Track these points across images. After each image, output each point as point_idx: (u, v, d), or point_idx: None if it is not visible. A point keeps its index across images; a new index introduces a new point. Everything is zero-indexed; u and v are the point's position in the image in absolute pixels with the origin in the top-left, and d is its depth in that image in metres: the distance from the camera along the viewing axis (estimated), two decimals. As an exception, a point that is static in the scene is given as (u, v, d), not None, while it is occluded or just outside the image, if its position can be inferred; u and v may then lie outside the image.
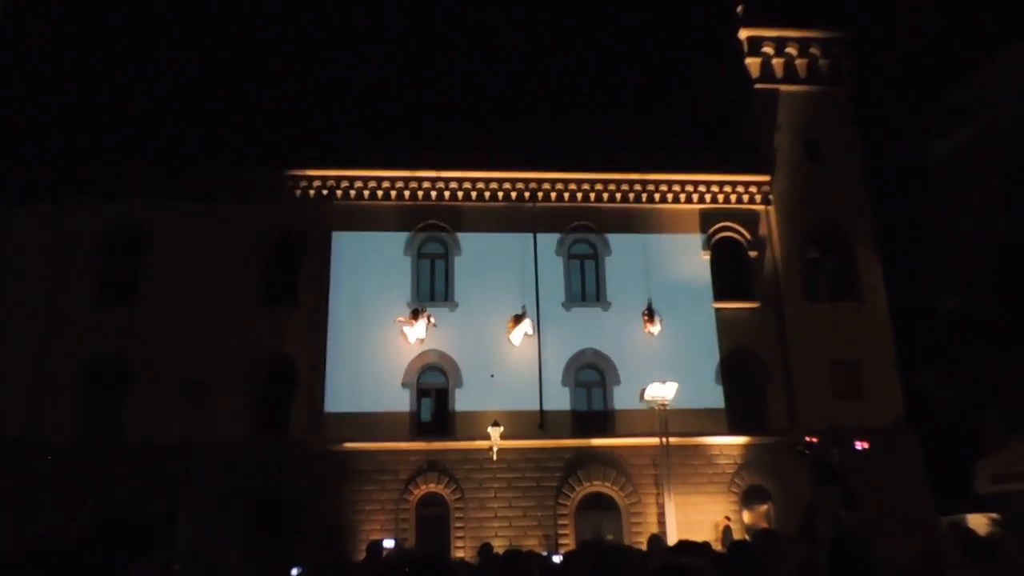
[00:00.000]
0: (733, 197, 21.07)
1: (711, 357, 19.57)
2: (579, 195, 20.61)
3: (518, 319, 18.60)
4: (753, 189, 21.10)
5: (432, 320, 18.61)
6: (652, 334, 18.98)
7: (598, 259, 20.32)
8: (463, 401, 18.75)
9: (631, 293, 19.77)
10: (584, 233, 20.39)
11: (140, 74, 21.75)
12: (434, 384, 19.14)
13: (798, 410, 19.18)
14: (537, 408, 18.66)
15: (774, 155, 21.15)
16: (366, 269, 19.35)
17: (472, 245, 19.88)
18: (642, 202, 20.68)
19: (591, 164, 20.49)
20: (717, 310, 20.09)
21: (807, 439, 17.27)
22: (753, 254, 20.83)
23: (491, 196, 20.31)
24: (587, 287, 20.20)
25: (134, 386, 17.97)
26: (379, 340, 18.70)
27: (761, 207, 21.08)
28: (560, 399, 18.97)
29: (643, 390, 17.90)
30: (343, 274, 19.25)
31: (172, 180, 19.35)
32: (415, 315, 18.44)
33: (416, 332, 18.42)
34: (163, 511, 15.99)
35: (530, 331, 18.63)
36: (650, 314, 18.96)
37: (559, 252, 20.21)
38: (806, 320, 20.00)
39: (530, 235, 19.98)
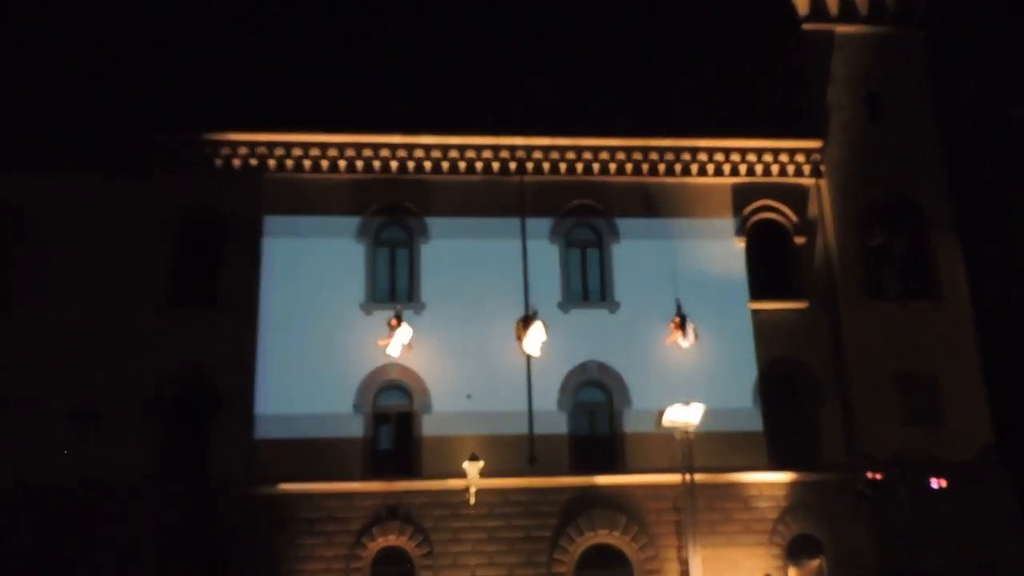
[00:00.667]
0: (775, 168, 20.67)
1: (747, 371, 19.28)
2: (580, 166, 20.20)
3: (528, 321, 18.12)
4: (800, 158, 20.69)
5: (399, 321, 18.16)
6: (681, 347, 18.60)
7: (603, 248, 20.00)
8: (432, 429, 18.37)
9: (645, 291, 19.48)
10: (586, 215, 20.08)
11: (16, 19, 21.24)
12: (395, 407, 18.76)
13: (858, 438, 18.94)
14: (526, 437, 18.30)
15: (827, 115, 20.88)
16: (307, 261, 18.93)
17: (443, 230, 19.48)
18: (659, 175, 20.31)
19: (595, 127, 20.18)
20: (754, 312, 19.75)
21: (869, 475, 17.21)
22: (800, 240, 20.49)
23: (468, 167, 19.91)
24: (590, 283, 19.88)
25: (3, 415, 17.19)
26: (324, 350, 18.35)
27: (810, 181, 20.77)
28: (556, 426, 18.63)
29: (661, 414, 17.66)
30: (278, 267, 18.84)
31: (54, 149, 18.59)
32: (398, 319, 18.20)
33: (399, 339, 18.03)
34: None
35: (544, 336, 18.12)
36: (681, 321, 18.49)
37: (555, 239, 19.88)
38: (868, 323, 19.75)
39: (517, 218, 19.65)
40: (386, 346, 18.20)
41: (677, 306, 18.83)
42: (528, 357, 18.59)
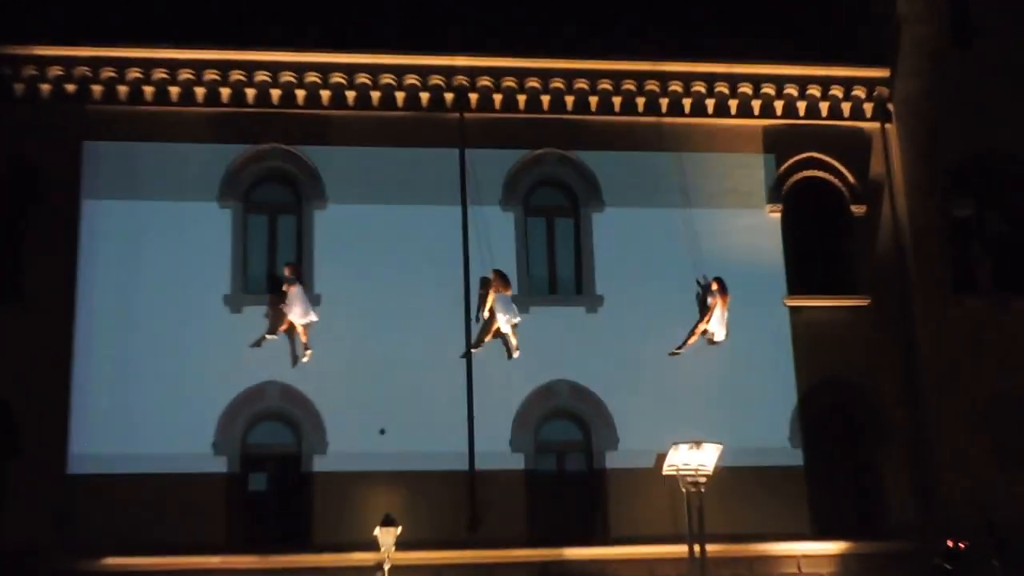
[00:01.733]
0: (824, 107, 20.54)
1: (781, 396, 19.33)
2: (546, 100, 19.93)
3: (490, 283, 18.73)
4: (859, 92, 20.58)
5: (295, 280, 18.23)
6: (715, 342, 19.03)
7: (580, 218, 19.92)
8: (329, 479, 18.20)
9: (638, 280, 19.41)
10: (555, 171, 20.04)
11: None
12: (275, 447, 18.68)
13: (937, 492, 19.07)
14: (465, 491, 18.33)
15: (897, 35, 20.86)
16: (148, 234, 18.76)
17: (347, 190, 19.35)
18: (660, 114, 20.13)
19: (569, 45, 20.10)
20: (793, 312, 19.74)
21: (951, 544, 17.25)
22: (858, 210, 20.49)
23: (384, 100, 19.61)
24: (559, 268, 19.92)
25: None
26: (172, 364, 18.19)
27: (873, 125, 20.73)
28: (509, 475, 18.58)
29: (661, 457, 17.66)
30: (104, 244, 18.64)
31: None
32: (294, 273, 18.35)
33: (298, 313, 18.17)
34: None
35: (509, 323, 18.52)
36: (719, 289, 18.96)
37: (509, 204, 19.76)
38: (953, 329, 19.84)
39: (455, 173, 19.54)
40: (263, 340, 18.19)
41: (702, 284, 19.05)
42: (469, 377, 18.44)
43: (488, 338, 18.61)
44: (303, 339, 18.20)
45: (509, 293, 18.55)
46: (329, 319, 18.55)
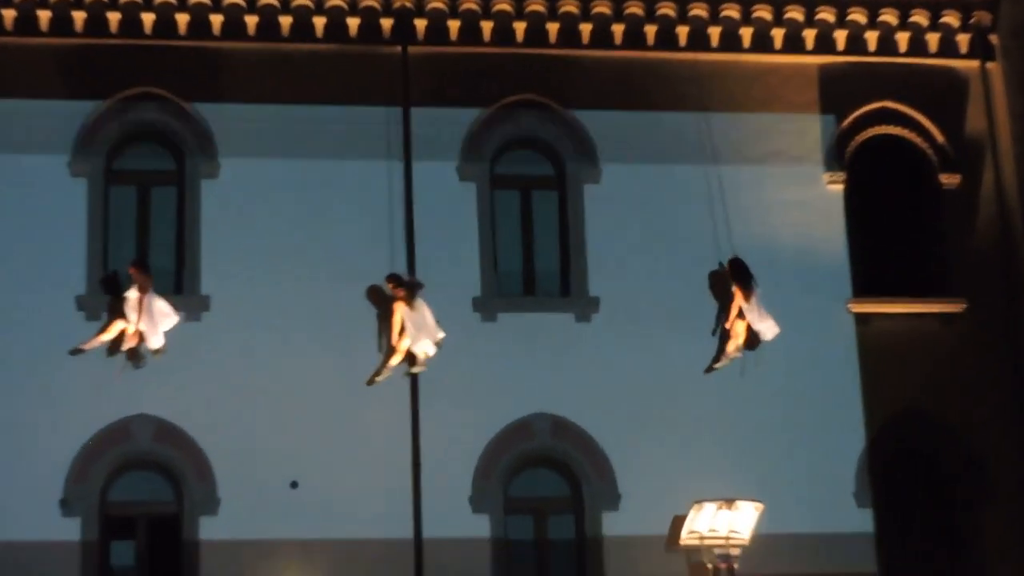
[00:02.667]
0: (902, 40, 20.62)
1: (845, 435, 19.31)
2: (520, 28, 19.97)
3: (407, 290, 18.26)
4: (951, 20, 20.62)
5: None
6: (762, 341, 18.72)
7: (566, 191, 20.06)
8: (221, 550, 18.12)
9: (647, 276, 19.48)
10: (532, 127, 20.16)
11: None
12: (146, 504, 18.71)
13: None
14: (409, 566, 18.33)
15: None
16: None
17: (246, 154, 19.43)
18: (677, 48, 20.20)
19: None
20: (861, 320, 19.80)
21: None
22: (950, 181, 20.55)
23: (297, 29, 19.67)
24: (539, 260, 20.14)
25: None
26: (4, 388, 18.15)
27: (970, 64, 20.88)
28: (468, 544, 18.56)
29: (678, 522, 17.92)
30: None
31: None
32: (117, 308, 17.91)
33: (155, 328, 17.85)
34: None
35: (429, 349, 18.19)
36: (745, 290, 18.47)
37: (470, 171, 19.83)
38: None
39: (395, 130, 19.71)
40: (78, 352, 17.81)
41: (736, 266, 18.66)
42: (414, 409, 18.47)
43: (393, 363, 18.42)
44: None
45: (416, 308, 18.26)
46: (220, 330, 18.65)
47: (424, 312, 18.16)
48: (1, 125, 18.95)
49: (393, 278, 18.36)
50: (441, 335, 18.24)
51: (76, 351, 17.84)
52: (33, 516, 17.72)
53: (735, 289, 18.63)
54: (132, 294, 17.79)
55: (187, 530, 18.23)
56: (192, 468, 18.31)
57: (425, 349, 18.14)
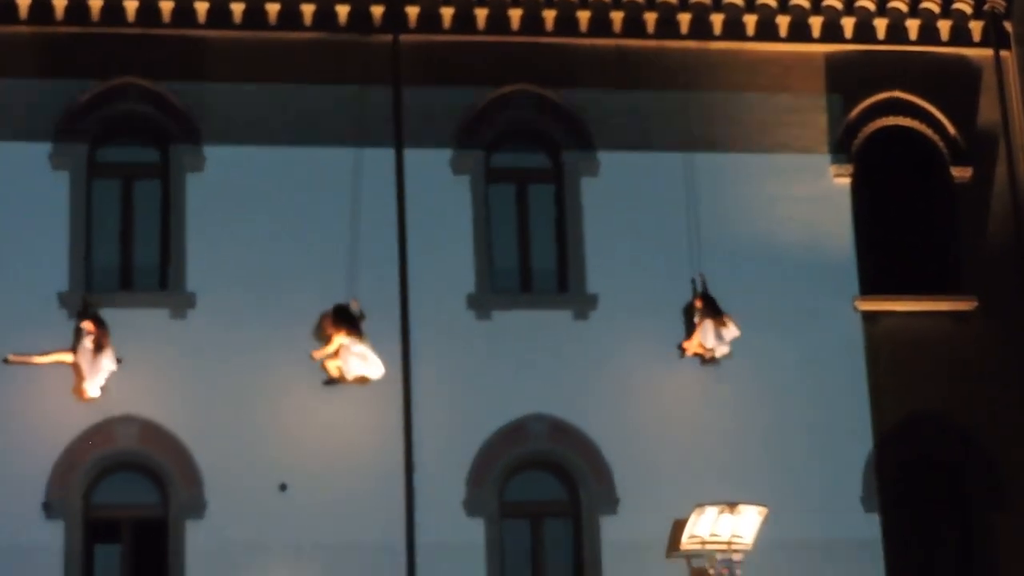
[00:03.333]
0: (912, 27, 20.57)
1: (851, 437, 19.31)
2: (516, 16, 19.94)
3: (342, 325, 18.25)
4: (963, 6, 20.59)
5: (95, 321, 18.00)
6: (712, 359, 18.91)
7: (563, 185, 20.06)
8: (207, 555, 18.07)
9: (646, 272, 19.46)
10: (529, 119, 20.20)
11: None
12: (130, 508, 18.66)
13: None
14: (401, 571, 18.27)
15: None
16: None
17: (233, 147, 19.43)
18: (679, 36, 20.22)
19: None
20: (868, 318, 19.78)
21: None
22: (962, 174, 20.51)
23: (285, 16, 19.60)
24: (535, 257, 20.15)
25: None
26: None
27: (983, 52, 20.83)
28: (461, 550, 18.50)
29: (679, 526, 17.93)
30: None
31: None
32: (90, 321, 17.88)
33: (92, 365, 17.83)
34: None
35: (371, 368, 18.13)
36: (710, 308, 18.70)
37: (463, 165, 19.80)
38: None
39: (386, 121, 19.65)
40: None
41: (697, 285, 18.92)
42: (406, 410, 18.44)
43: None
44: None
45: (359, 342, 18.36)
46: (207, 329, 18.61)
47: (361, 349, 18.26)
48: None
49: (338, 312, 18.38)
50: (380, 374, 18.32)
51: (11, 360, 17.92)
52: (15, 519, 17.67)
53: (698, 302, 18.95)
54: (88, 344, 17.80)
55: (173, 534, 18.17)
56: (178, 470, 18.26)
57: (365, 373, 18.24)
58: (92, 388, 17.83)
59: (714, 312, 18.71)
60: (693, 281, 19.09)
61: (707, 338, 18.69)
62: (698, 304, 18.84)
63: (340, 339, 18.16)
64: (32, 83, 19.13)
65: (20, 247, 18.54)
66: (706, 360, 18.82)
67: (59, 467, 17.85)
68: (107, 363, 17.85)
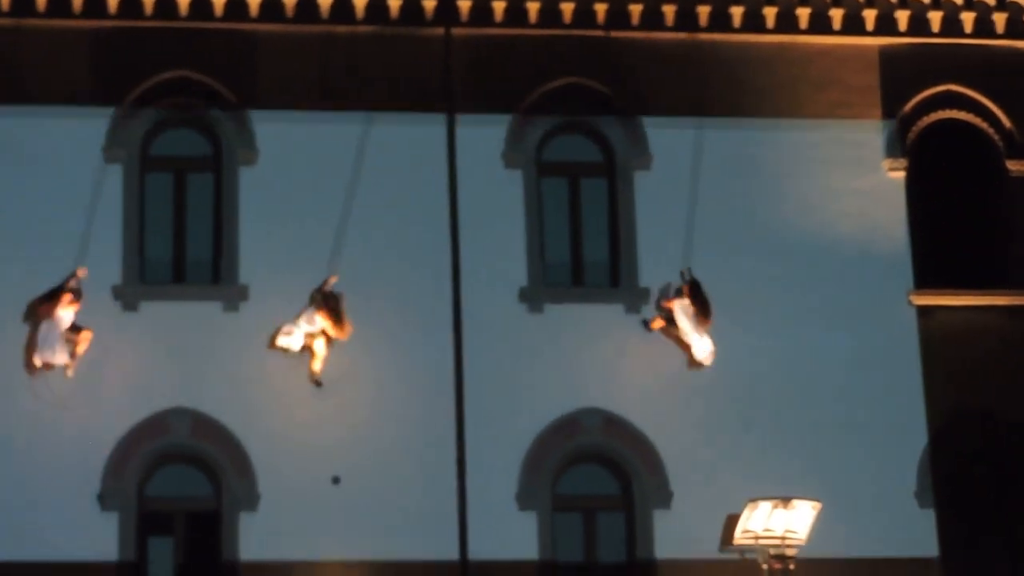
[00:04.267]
0: (968, 19, 20.42)
1: (906, 433, 19.22)
2: (568, 9, 19.92)
3: (329, 304, 18.22)
4: None
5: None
6: (699, 365, 18.85)
7: (615, 178, 19.99)
8: (260, 547, 18.13)
9: (702, 264, 19.27)
10: (581, 111, 20.16)
11: None
12: (184, 500, 18.78)
13: None
14: (454, 564, 18.30)
15: None
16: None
17: (284, 137, 19.47)
18: (731, 30, 20.20)
19: None
20: (923, 313, 19.66)
21: None
22: (1017, 167, 20.39)
23: (336, 10, 19.68)
24: (587, 250, 20.10)
25: None
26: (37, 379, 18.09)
27: None
28: (512, 543, 18.49)
29: (732, 521, 17.89)
30: None
31: None
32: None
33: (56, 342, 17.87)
34: None
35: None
36: (693, 294, 18.65)
37: (516, 157, 19.82)
38: None
39: (438, 112, 19.67)
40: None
41: (684, 280, 18.79)
42: (459, 403, 18.43)
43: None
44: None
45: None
46: (259, 321, 18.53)
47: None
48: (34, 111, 18.95)
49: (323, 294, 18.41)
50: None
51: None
52: (70, 511, 17.74)
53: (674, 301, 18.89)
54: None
55: (226, 526, 18.25)
56: (231, 463, 18.32)
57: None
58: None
59: (701, 308, 18.61)
60: (682, 274, 18.89)
61: (683, 323, 18.62)
62: (683, 296, 18.71)
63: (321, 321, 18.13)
64: (85, 78, 19.23)
65: (74, 241, 18.58)
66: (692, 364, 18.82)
67: (113, 459, 17.95)
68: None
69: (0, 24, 19.23)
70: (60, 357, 17.88)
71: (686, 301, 18.71)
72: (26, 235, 18.66)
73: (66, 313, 17.95)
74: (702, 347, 18.58)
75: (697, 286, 18.72)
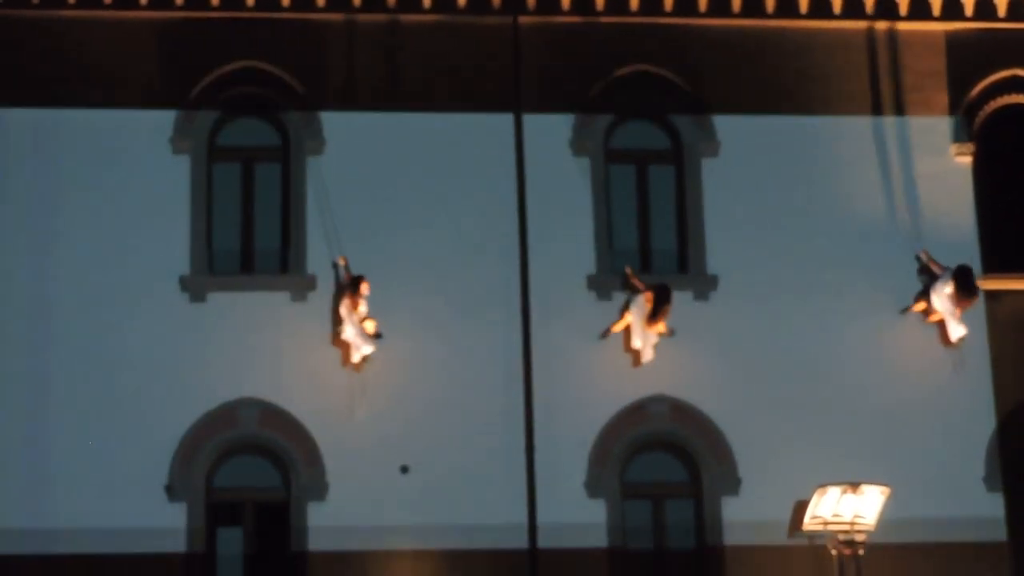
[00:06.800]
0: None
1: (974, 417, 19.15)
2: None
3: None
4: None
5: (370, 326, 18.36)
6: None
7: (684, 165, 19.95)
8: (330, 536, 18.15)
9: (767, 252, 19.49)
10: (649, 99, 20.10)
11: None
12: (253, 489, 18.82)
13: None
14: (523, 553, 18.24)
15: None
16: (67, 195, 18.96)
17: (352, 128, 19.50)
18: (798, 16, 20.07)
19: None
20: (992, 297, 19.45)
21: None
22: None
23: None
24: (655, 237, 20.05)
25: None
26: (104, 372, 18.34)
27: None
28: (582, 531, 18.48)
29: (800, 507, 17.95)
30: (11, 207, 18.85)
31: None
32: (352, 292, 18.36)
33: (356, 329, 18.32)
34: None
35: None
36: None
37: (583, 144, 19.77)
38: None
39: (505, 103, 19.66)
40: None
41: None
42: (527, 391, 18.43)
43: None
44: None
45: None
46: (327, 309, 18.67)
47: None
48: (101, 103, 19.05)
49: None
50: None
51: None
52: (139, 502, 17.85)
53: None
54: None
55: (295, 516, 18.29)
56: (299, 453, 18.36)
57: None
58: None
59: (964, 292, 18.53)
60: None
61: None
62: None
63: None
64: (152, 69, 19.30)
65: (142, 232, 18.71)
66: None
67: (181, 450, 18.08)
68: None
69: (69, 17, 19.28)
70: (367, 347, 18.18)
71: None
72: (105, 231, 18.71)
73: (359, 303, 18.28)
74: (956, 331, 18.56)
75: (964, 272, 18.42)
